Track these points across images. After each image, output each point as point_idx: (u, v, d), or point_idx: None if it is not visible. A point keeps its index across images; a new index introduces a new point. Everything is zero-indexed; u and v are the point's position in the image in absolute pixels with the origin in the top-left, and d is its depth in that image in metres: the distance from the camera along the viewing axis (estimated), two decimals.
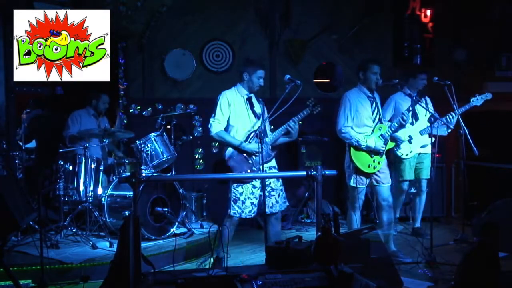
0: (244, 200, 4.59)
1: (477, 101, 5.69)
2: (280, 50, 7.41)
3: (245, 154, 4.65)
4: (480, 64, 7.57)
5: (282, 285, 3.46)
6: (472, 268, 3.50)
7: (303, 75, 7.18)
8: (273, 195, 4.69)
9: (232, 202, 4.63)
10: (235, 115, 4.69)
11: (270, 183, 4.68)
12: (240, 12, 7.35)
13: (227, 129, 4.70)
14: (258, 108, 4.79)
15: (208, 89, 7.20)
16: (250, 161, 4.63)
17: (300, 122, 4.73)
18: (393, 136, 5.69)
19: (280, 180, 4.77)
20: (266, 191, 4.63)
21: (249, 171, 4.58)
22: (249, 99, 4.76)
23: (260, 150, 4.52)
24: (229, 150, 4.66)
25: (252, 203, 4.61)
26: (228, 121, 4.70)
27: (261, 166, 4.54)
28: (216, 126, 4.65)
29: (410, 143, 5.83)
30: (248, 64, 4.81)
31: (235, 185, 4.62)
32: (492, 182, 6.73)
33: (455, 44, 7.70)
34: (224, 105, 4.68)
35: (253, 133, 4.66)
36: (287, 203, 4.88)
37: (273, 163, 4.79)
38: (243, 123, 4.69)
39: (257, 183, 4.62)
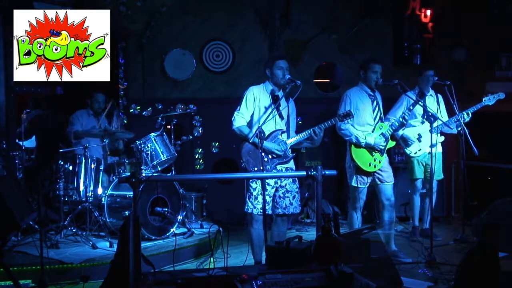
0: (257, 196, 4.53)
1: (489, 100, 5.61)
2: (280, 50, 7.40)
3: (262, 152, 4.50)
4: (480, 64, 7.55)
5: (282, 285, 3.46)
6: (472, 268, 3.50)
7: (303, 75, 7.17)
8: (288, 197, 4.63)
9: (246, 198, 4.59)
10: (259, 111, 4.61)
11: (286, 184, 4.62)
12: (240, 12, 7.34)
13: (250, 124, 4.63)
14: (284, 106, 4.66)
15: (208, 89, 7.20)
16: (266, 159, 4.54)
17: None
18: (404, 137, 5.71)
19: (297, 183, 4.71)
20: (280, 192, 4.61)
21: (262, 168, 4.47)
22: (275, 97, 4.63)
23: (280, 150, 4.53)
24: (247, 145, 4.56)
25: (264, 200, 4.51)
26: (252, 116, 4.64)
27: (276, 166, 4.55)
28: (239, 120, 4.58)
29: (420, 141, 5.77)
30: (268, 60, 4.77)
31: (250, 180, 4.58)
32: (492, 182, 6.73)
33: (455, 44, 7.69)
34: (250, 100, 4.61)
35: (275, 132, 4.60)
36: (300, 208, 4.82)
37: (291, 164, 4.70)
38: (266, 121, 4.57)
39: (271, 181, 4.57)
